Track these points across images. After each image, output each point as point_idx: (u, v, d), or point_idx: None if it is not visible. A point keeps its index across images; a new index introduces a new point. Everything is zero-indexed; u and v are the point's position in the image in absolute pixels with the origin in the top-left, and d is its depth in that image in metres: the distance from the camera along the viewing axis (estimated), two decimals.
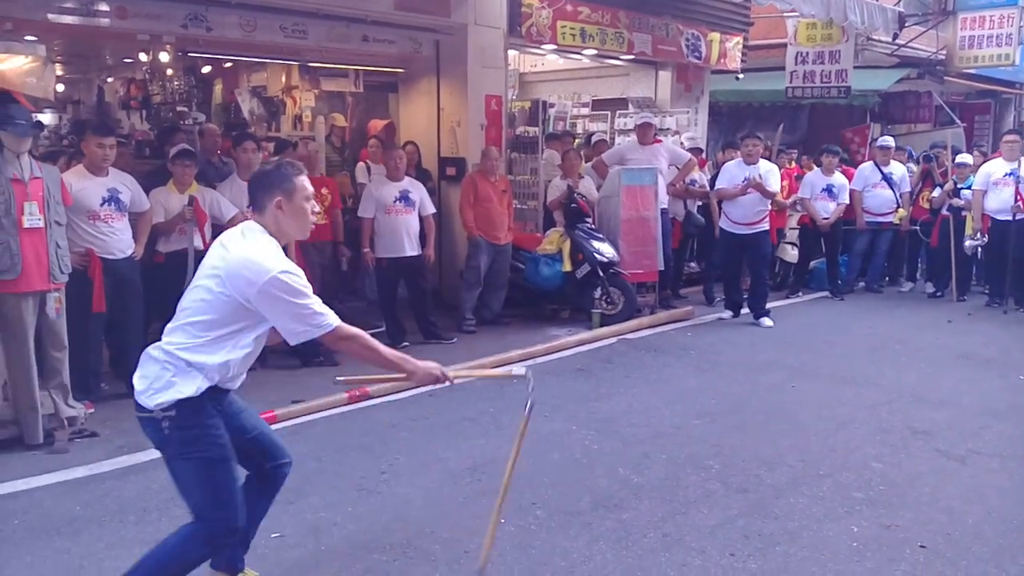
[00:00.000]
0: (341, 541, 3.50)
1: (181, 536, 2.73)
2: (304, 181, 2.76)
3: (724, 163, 8.50)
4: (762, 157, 8.01)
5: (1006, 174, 8.60)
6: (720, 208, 8.13)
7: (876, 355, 6.81)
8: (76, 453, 4.50)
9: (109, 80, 10.96)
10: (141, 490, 4.00)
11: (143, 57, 9.07)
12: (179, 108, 9.34)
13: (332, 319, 2.66)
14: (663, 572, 3.25)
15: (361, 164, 8.15)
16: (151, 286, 5.52)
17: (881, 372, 6.25)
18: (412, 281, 6.99)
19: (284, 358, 6.25)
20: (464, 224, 7.40)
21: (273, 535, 3.50)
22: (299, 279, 2.60)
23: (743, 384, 5.89)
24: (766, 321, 7.81)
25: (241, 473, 2.85)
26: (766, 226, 7.96)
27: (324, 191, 6.74)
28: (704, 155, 10.13)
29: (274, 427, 4.80)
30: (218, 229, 5.65)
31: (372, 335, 7.39)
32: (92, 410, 4.90)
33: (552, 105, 10.90)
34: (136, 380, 2.66)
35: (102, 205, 5.13)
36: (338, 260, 7.05)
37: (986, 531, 3.62)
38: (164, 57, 8.67)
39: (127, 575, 2.72)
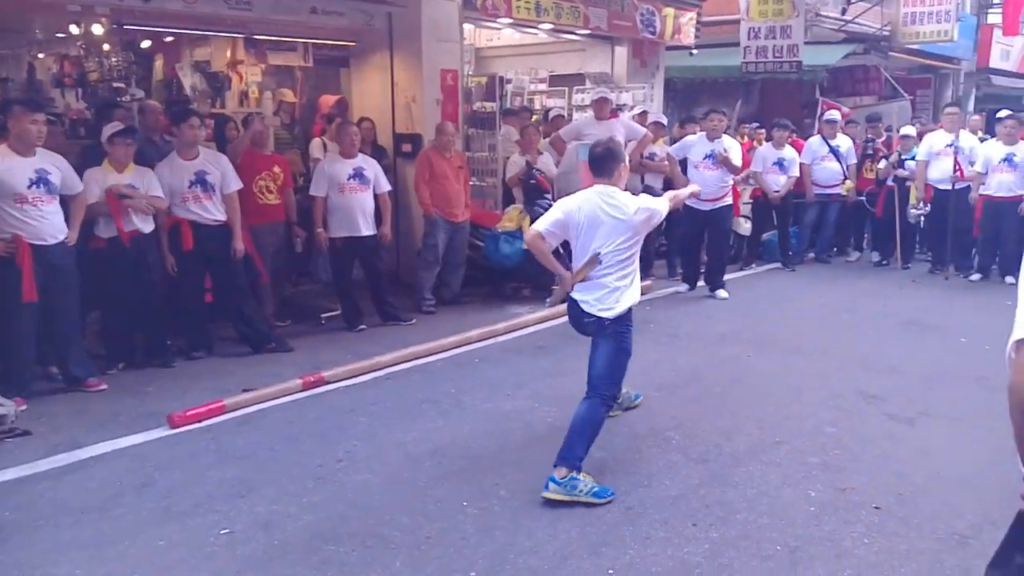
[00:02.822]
0: (296, 533, 3.40)
1: (589, 407, 3.73)
2: None
3: (683, 138, 8.54)
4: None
5: (947, 145, 8.84)
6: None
7: (827, 324, 6.95)
8: (6, 454, 4.21)
9: (40, 56, 10.49)
10: (79, 490, 3.80)
11: (75, 30, 8.68)
12: (116, 85, 8.99)
13: None
14: (627, 546, 3.27)
15: (317, 140, 7.97)
16: (90, 273, 5.28)
17: (832, 340, 6.39)
18: (368, 261, 6.87)
19: (234, 345, 6.13)
20: (420, 202, 7.30)
21: (222, 531, 3.42)
22: None
23: (701, 356, 5.96)
24: (721, 293, 7.93)
25: None
26: (729, 201, 8.08)
27: (276, 169, 6.59)
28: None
29: (224, 417, 4.78)
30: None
31: (327, 318, 7.34)
32: (24, 407, 4.66)
33: (509, 81, 10.80)
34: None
35: (30, 187, 4.83)
36: (292, 241, 6.90)
37: (935, 489, 3.73)
38: (98, 30, 8.30)
39: (563, 453, 3.60)
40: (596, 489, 3.62)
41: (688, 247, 8.34)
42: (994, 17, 17.17)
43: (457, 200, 7.38)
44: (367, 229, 6.73)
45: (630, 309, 3.90)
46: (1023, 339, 1.54)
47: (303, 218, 6.91)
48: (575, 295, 3.93)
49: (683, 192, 4.41)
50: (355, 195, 6.64)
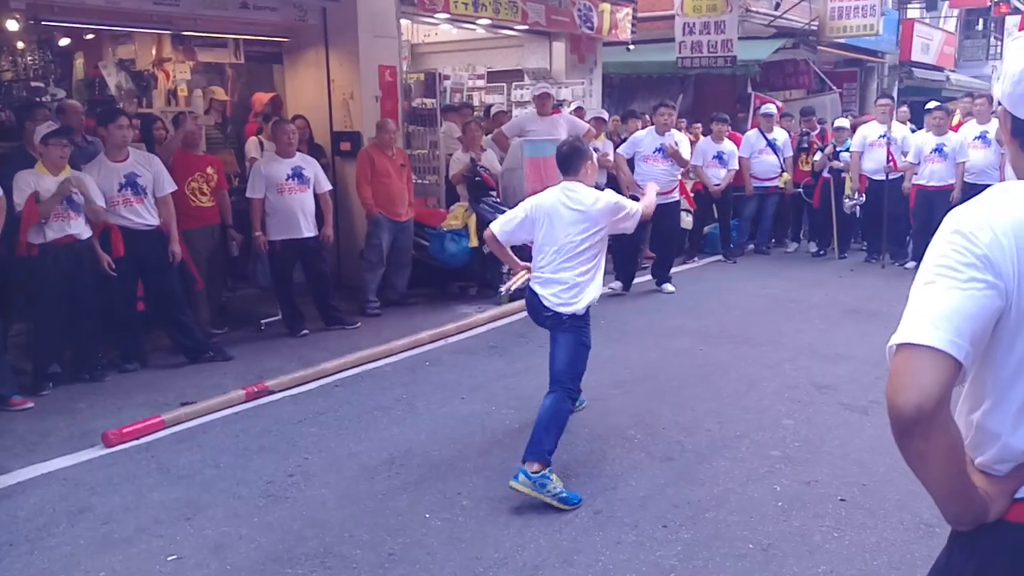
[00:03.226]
0: (249, 557, 3.20)
1: (554, 400, 3.67)
2: None
3: (632, 134, 8.44)
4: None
5: (880, 136, 9.04)
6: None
7: (773, 314, 7.02)
8: None
9: None
10: (7, 520, 3.49)
11: None
12: (35, 84, 8.49)
13: None
14: (598, 552, 3.18)
15: (253, 139, 7.66)
16: (15, 283, 4.96)
17: (780, 331, 6.44)
18: (310, 264, 6.64)
19: (169, 356, 5.84)
20: (362, 201, 7.09)
21: (169, 557, 3.19)
22: None
23: (653, 351, 5.93)
24: (668, 287, 7.91)
25: None
26: (677, 196, 8.01)
27: (209, 170, 6.31)
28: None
29: (163, 434, 4.52)
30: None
31: (267, 323, 7.08)
32: None
33: (447, 77, 10.63)
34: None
35: None
36: (227, 245, 6.61)
37: (896, 479, 3.74)
38: (13, 26, 7.82)
39: (531, 449, 3.53)
40: (564, 495, 3.52)
41: (627, 244, 7.87)
42: (913, 12, 17.79)
43: (400, 199, 7.20)
44: (308, 231, 6.50)
45: (589, 305, 3.82)
46: (904, 343, 1.23)
47: (238, 220, 6.63)
48: (535, 288, 3.85)
49: (652, 196, 4.33)
50: (294, 196, 6.41)
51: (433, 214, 7.85)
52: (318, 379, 5.43)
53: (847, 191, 9.38)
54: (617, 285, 7.96)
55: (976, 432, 1.34)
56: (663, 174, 7.59)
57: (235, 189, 7.09)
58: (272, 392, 5.15)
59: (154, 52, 8.55)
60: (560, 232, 3.76)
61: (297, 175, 6.43)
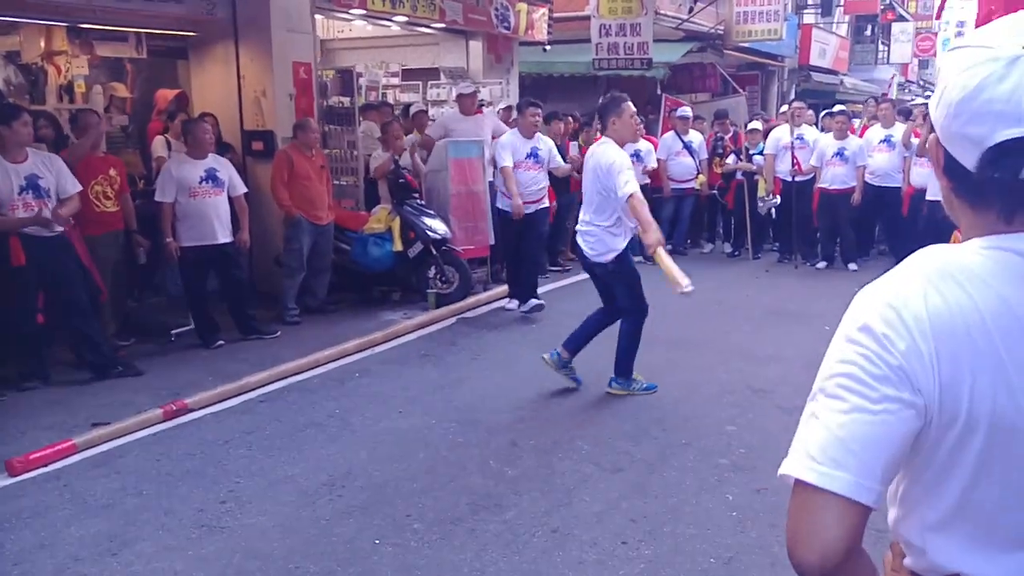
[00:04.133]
0: None
1: (631, 323, 4.96)
2: None
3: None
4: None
5: (795, 139, 9.33)
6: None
7: (700, 316, 7.09)
8: None
9: None
10: None
11: None
12: None
13: None
14: (561, 574, 3.08)
15: (160, 138, 7.19)
16: None
17: (709, 332, 6.53)
18: (225, 271, 6.29)
19: (73, 372, 5.41)
20: (280, 204, 6.75)
21: None
22: None
23: (590, 354, 5.81)
24: (532, 301, 7.02)
25: None
26: (546, 203, 7.27)
27: (112, 172, 5.89)
28: None
29: (75, 459, 4.16)
30: None
31: (177, 334, 6.66)
32: None
33: (361, 74, 10.33)
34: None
35: None
36: (133, 252, 6.18)
37: None
38: None
39: (619, 368, 4.96)
40: (646, 384, 5.01)
41: (512, 257, 7.21)
42: (810, 17, 18.55)
43: (321, 201, 6.92)
44: (224, 236, 6.17)
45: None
46: (801, 482, 1.00)
47: (144, 225, 6.21)
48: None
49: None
50: (208, 199, 6.06)
51: (354, 217, 7.59)
52: (240, 394, 5.13)
53: (761, 193, 9.64)
54: (512, 305, 7.18)
55: (895, 533, 1.15)
56: (531, 180, 6.93)
57: (139, 192, 6.64)
58: (192, 410, 4.83)
59: (43, 44, 7.94)
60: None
61: (211, 177, 6.08)
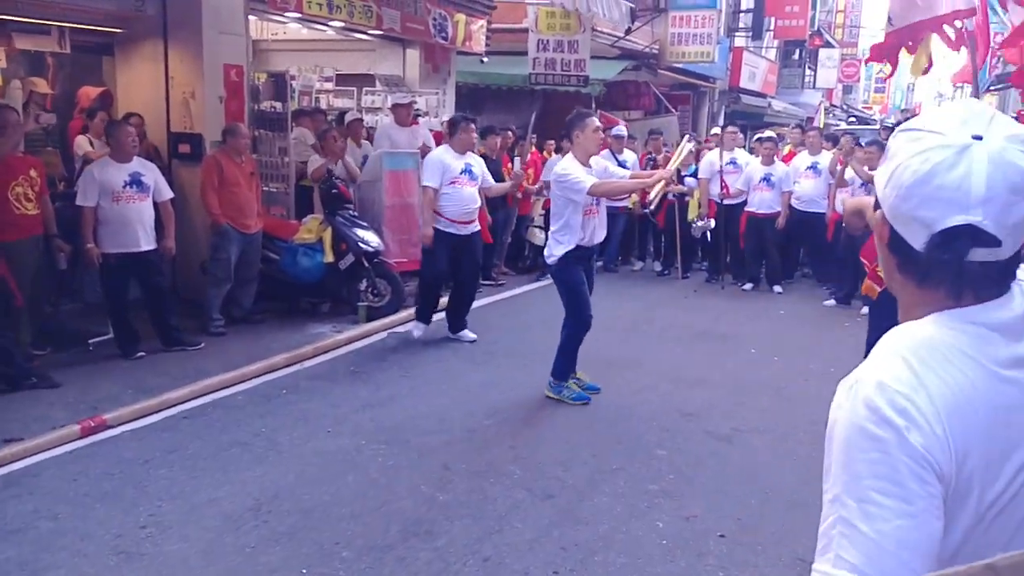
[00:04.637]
0: None
1: (565, 329, 5.31)
2: None
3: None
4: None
5: (728, 163, 9.57)
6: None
7: (630, 336, 7.19)
8: None
9: None
10: None
11: None
12: None
13: None
14: None
15: (82, 137, 6.88)
16: None
17: (639, 353, 6.61)
18: (147, 279, 6.07)
19: None
20: (208, 210, 6.55)
21: None
22: None
23: (522, 374, 5.88)
24: (468, 335, 6.73)
25: None
26: (477, 226, 6.75)
27: (32, 173, 5.60)
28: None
29: None
30: None
31: (96, 343, 6.38)
32: None
33: (294, 78, 10.12)
34: None
35: None
36: (52, 256, 5.89)
37: (769, 512, 3.90)
38: None
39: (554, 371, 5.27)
40: (576, 394, 5.28)
41: (437, 281, 6.78)
42: (741, 40, 19.09)
43: (250, 209, 6.74)
44: (147, 243, 5.97)
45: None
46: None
47: (64, 229, 5.93)
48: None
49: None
50: (132, 204, 5.85)
51: (284, 225, 7.43)
52: (162, 410, 4.95)
53: (692, 215, 9.84)
54: (419, 331, 6.75)
55: None
56: (468, 199, 6.49)
57: (59, 194, 6.35)
58: (111, 426, 4.64)
59: None
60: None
61: (136, 182, 5.87)
